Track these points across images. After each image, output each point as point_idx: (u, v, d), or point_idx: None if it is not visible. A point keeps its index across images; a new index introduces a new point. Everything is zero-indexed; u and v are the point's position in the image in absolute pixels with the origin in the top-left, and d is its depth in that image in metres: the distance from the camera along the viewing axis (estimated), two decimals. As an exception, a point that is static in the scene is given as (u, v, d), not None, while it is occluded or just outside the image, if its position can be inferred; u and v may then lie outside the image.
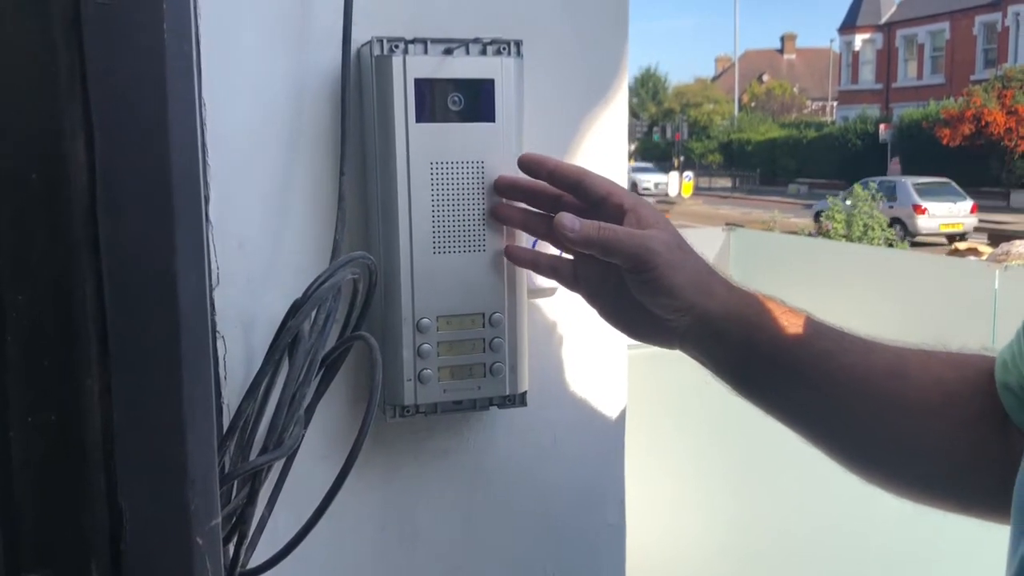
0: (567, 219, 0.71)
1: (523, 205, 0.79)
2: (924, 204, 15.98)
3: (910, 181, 18.52)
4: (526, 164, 0.76)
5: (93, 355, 0.38)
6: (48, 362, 0.38)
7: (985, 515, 0.68)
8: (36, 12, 0.36)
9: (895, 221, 16.13)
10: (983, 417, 0.67)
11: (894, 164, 24.58)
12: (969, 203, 16.91)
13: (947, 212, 15.78)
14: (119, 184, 0.38)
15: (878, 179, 18.07)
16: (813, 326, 0.72)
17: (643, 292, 0.72)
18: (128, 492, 0.39)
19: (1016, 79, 22.96)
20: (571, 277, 0.78)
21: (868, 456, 0.74)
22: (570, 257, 0.78)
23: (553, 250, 0.81)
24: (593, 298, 0.78)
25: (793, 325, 0.72)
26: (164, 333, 0.40)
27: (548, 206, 0.78)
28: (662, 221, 0.73)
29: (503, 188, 0.77)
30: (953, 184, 18.58)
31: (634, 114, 45.75)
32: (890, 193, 17.49)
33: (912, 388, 0.70)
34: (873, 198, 12.51)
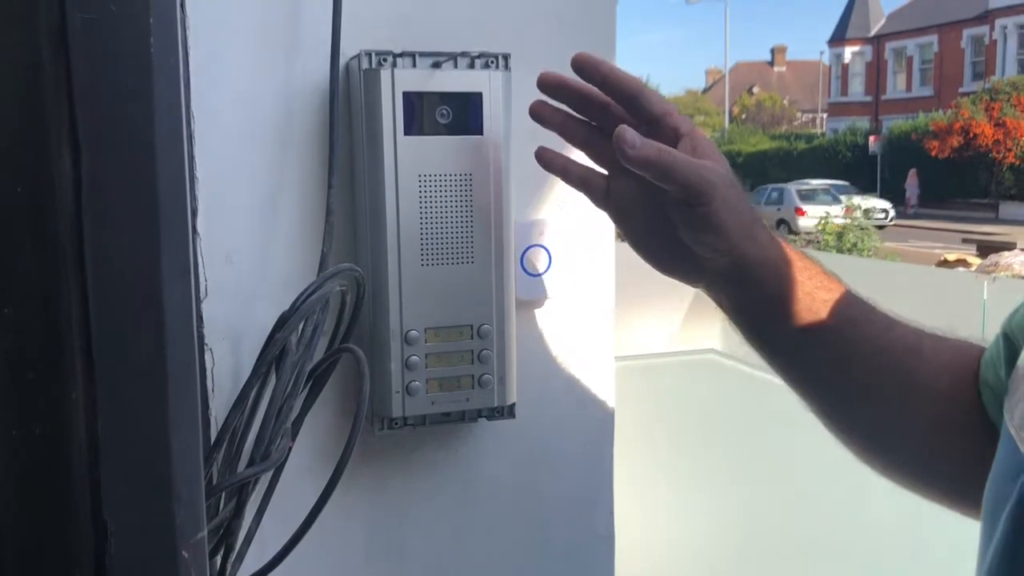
0: (629, 134, 0.66)
1: (565, 108, 0.75)
2: (804, 207, 18.07)
3: (794, 188, 21.05)
4: (581, 64, 0.71)
5: (78, 367, 0.38)
6: (33, 374, 0.38)
7: (965, 510, 0.69)
8: (22, 25, 0.37)
9: (781, 222, 19.03)
10: (975, 407, 0.68)
11: (911, 177, 24.53)
12: (843, 206, 18.95)
13: (822, 214, 17.52)
14: (105, 197, 0.38)
15: (770, 187, 21.37)
16: (845, 292, 0.72)
17: (690, 226, 0.68)
18: (113, 505, 0.39)
19: (1004, 92, 23.10)
20: (602, 193, 0.75)
21: (868, 427, 0.74)
22: (604, 172, 0.75)
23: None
24: (621, 220, 0.75)
25: (825, 288, 0.71)
26: (150, 346, 0.40)
27: (595, 114, 0.74)
28: (717, 154, 0.70)
29: (549, 86, 0.73)
30: (832, 190, 21.06)
31: (625, 126, 45.77)
32: (779, 198, 20.54)
33: (926, 369, 0.71)
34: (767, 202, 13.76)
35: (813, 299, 0.70)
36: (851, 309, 0.71)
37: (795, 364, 0.74)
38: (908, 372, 0.71)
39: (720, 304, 0.74)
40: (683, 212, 0.68)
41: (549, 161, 0.76)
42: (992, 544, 0.50)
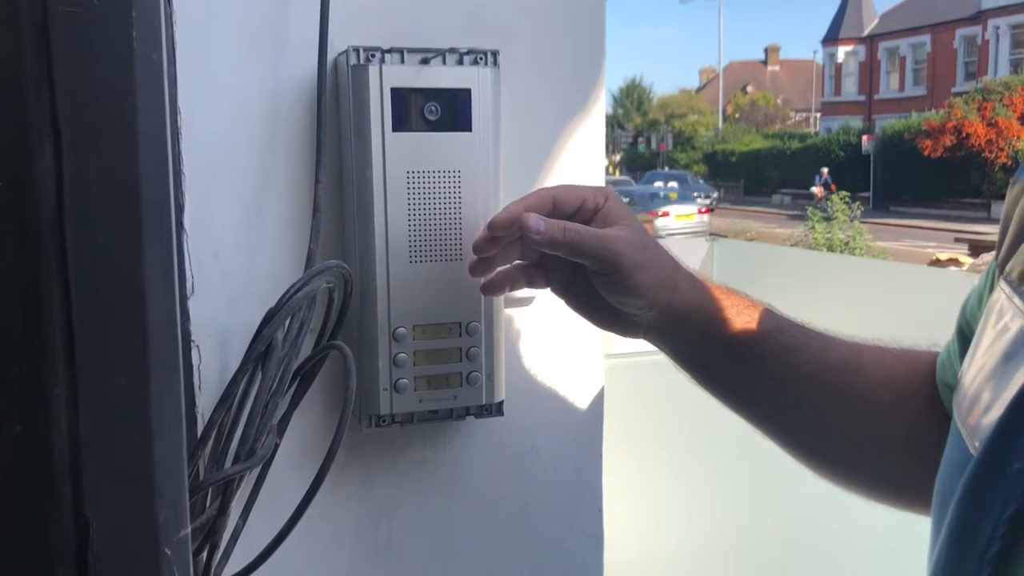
0: (532, 220, 0.71)
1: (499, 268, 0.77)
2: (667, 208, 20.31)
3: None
4: (496, 231, 0.73)
5: (60, 364, 0.38)
6: (14, 371, 0.38)
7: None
8: (3, 19, 0.36)
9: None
10: (933, 412, 0.69)
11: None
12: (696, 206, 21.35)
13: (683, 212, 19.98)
14: (87, 193, 0.38)
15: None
16: (774, 321, 0.74)
17: (609, 292, 0.72)
18: (95, 502, 0.39)
19: (996, 91, 23.14)
20: (543, 280, 0.78)
21: (820, 450, 0.76)
22: (539, 265, 0.78)
23: None
24: (563, 293, 0.79)
25: (754, 320, 0.74)
26: (132, 342, 0.39)
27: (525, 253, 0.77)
28: (628, 217, 0.74)
29: (480, 247, 0.74)
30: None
31: (619, 124, 45.85)
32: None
33: (865, 384, 0.73)
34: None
35: (744, 333, 0.73)
36: (783, 336, 0.74)
37: (739, 397, 0.77)
38: (847, 389, 0.73)
39: (663, 351, 0.77)
40: (600, 280, 0.72)
41: (495, 288, 0.78)
42: (940, 536, 0.50)
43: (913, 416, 0.71)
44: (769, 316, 0.75)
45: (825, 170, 25.71)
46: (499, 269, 0.78)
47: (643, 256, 0.71)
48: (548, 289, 0.79)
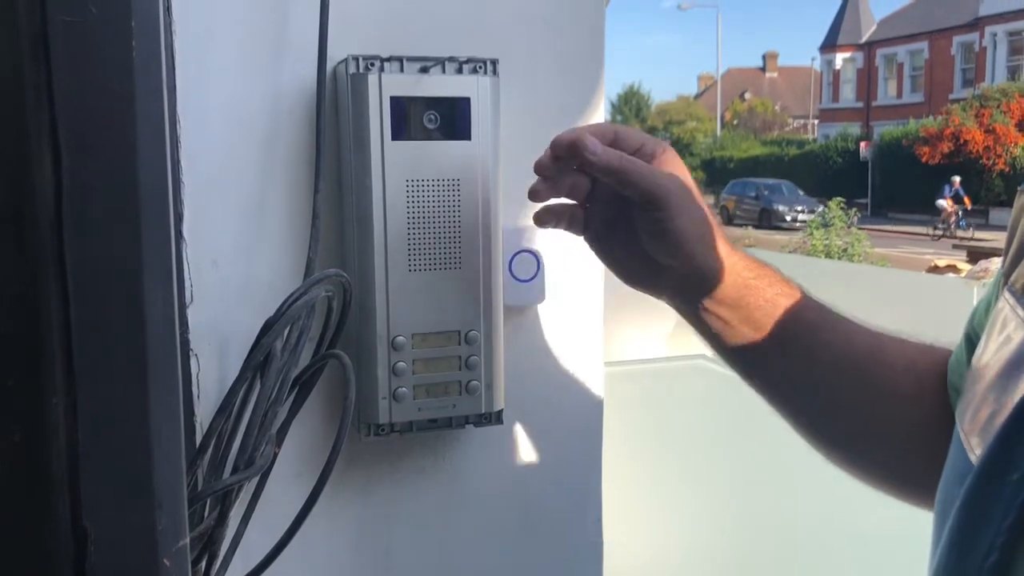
0: (591, 142, 0.70)
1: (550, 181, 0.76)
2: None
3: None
4: (559, 152, 0.73)
5: (58, 373, 0.38)
6: (12, 381, 0.37)
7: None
8: (2, 27, 0.36)
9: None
10: (945, 409, 0.68)
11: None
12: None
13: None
14: (85, 202, 0.38)
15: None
16: (804, 299, 0.74)
17: (650, 232, 0.71)
18: (93, 513, 0.39)
19: (993, 98, 23.18)
20: (581, 224, 0.77)
21: (834, 433, 0.75)
22: (581, 207, 0.77)
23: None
24: (595, 241, 0.78)
25: (785, 294, 0.73)
26: (131, 351, 0.39)
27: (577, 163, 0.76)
28: (682, 169, 0.74)
29: (541, 168, 0.74)
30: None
31: (617, 131, 45.83)
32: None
33: (887, 371, 0.72)
34: None
35: (775, 306, 0.73)
36: (812, 314, 0.73)
37: (760, 371, 0.76)
38: (871, 376, 0.72)
39: (685, 317, 0.76)
40: (643, 217, 0.71)
41: (545, 217, 0.77)
42: (941, 542, 0.50)
43: (930, 408, 0.70)
44: (800, 293, 0.74)
45: (957, 179, 20.93)
46: (549, 202, 0.77)
47: (689, 202, 0.71)
48: (583, 237, 0.78)
